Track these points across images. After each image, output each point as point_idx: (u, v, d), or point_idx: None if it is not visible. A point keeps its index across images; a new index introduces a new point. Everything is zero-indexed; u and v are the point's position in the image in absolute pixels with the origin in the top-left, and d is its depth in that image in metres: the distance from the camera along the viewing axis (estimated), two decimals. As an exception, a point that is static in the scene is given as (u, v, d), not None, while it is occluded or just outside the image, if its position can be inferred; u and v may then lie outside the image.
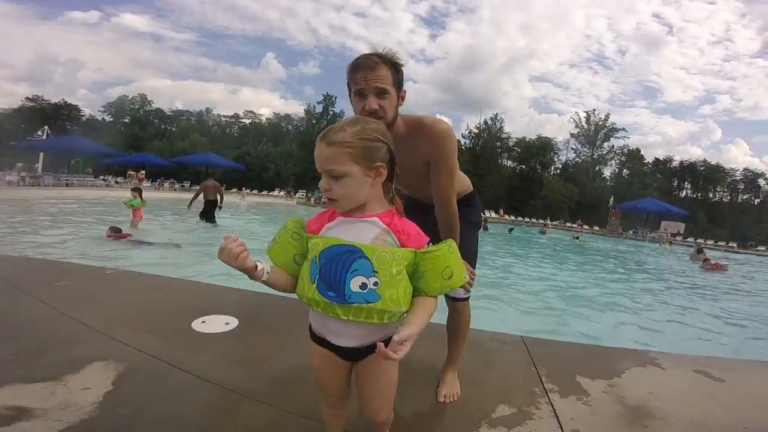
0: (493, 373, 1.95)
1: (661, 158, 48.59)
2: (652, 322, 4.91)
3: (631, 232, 27.82)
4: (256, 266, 0.95)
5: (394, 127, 1.37)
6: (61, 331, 2.06)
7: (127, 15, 73.62)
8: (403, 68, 1.37)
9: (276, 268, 1.02)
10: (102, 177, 24.47)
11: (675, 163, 48.39)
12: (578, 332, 4.09)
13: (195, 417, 1.46)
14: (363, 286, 0.92)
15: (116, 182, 23.36)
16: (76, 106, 46.28)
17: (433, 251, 0.99)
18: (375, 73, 1.29)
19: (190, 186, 26.87)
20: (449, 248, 1.01)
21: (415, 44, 76.57)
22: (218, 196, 9.44)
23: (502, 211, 30.61)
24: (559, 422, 1.54)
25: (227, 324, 2.29)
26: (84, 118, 45.53)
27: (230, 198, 22.88)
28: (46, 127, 26.24)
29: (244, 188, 26.14)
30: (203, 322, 2.29)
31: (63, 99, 45.97)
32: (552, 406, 1.65)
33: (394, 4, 77.36)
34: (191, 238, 7.52)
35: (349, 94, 1.37)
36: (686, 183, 50.21)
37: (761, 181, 48.31)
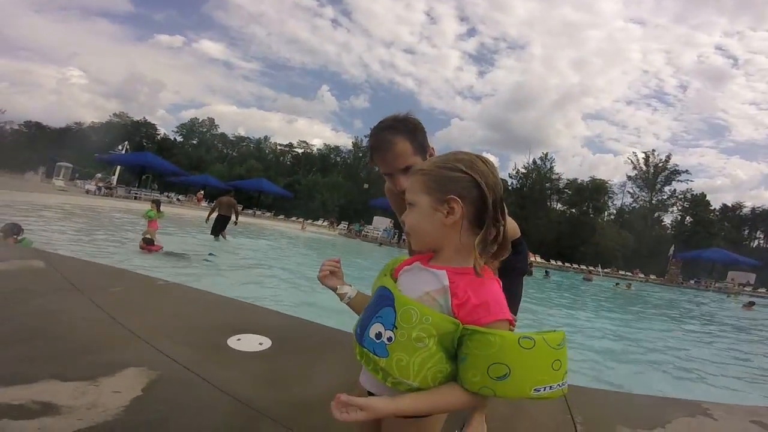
0: (525, 419, 1.82)
1: (730, 204, 44.43)
2: (709, 373, 4.46)
3: (692, 281, 25.75)
4: (336, 288, 1.04)
5: None
6: (107, 334, 2.18)
7: (206, 41, 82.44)
8: (422, 127, 1.30)
9: (362, 294, 1.04)
10: (166, 193, 26.48)
11: (746, 210, 43.94)
12: (622, 383, 3.78)
13: (215, 429, 1.47)
14: (378, 335, 0.83)
15: (178, 199, 25.26)
16: (154, 124, 51.51)
17: (485, 332, 0.74)
18: (393, 153, 1.25)
19: (242, 209, 28.32)
20: (524, 341, 0.74)
21: (462, 81, 78.19)
22: (233, 213, 9.92)
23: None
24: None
25: (261, 344, 2.32)
26: (159, 137, 50.02)
27: (293, 225, 24.09)
28: (126, 142, 29.58)
29: (304, 219, 27.06)
30: (239, 339, 2.34)
31: (144, 117, 51.46)
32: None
33: (443, 42, 79.52)
34: (219, 253, 7.88)
35: (376, 168, 1.37)
36: (758, 232, 45.26)
37: None
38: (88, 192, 20.16)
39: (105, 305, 2.57)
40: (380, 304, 0.86)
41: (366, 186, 39.36)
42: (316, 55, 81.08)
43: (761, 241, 45.15)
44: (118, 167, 25.63)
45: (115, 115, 50.04)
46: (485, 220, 0.81)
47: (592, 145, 70.98)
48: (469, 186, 0.81)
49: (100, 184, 22.47)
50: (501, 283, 0.84)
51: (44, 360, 1.77)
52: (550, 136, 70.01)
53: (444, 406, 0.80)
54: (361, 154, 44.76)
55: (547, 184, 40.07)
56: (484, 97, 77.76)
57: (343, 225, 29.90)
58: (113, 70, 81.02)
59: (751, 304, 13.31)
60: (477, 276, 0.80)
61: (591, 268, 27.10)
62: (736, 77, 62.64)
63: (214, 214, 9.88)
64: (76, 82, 73.44)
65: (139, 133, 47.24)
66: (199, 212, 20.23)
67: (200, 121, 54.04)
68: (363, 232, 25.92)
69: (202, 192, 26.79)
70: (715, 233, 37.81)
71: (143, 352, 2.00)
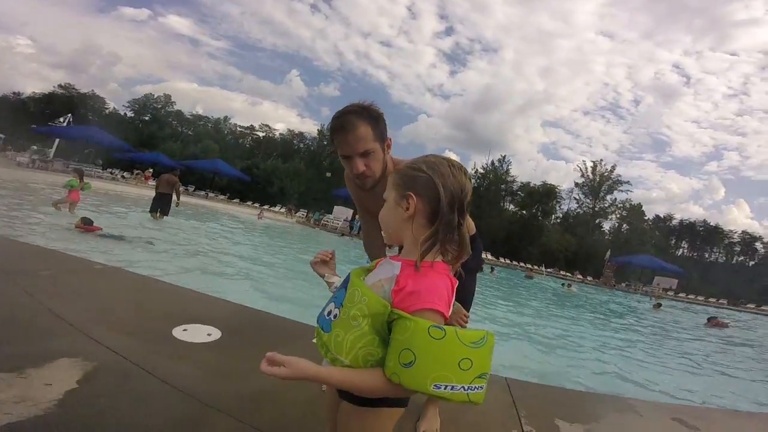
0: (474, 411, 1.90)
1: (662, 215, 49.26)
2: (633, 370, 4.89)
3: (624, 284, 28.01)
4: (324, 276, 1.11)
5: (384, 178, 1.40)
6: (36, 322, 2.00)
7: (173, 16, 77.54)
8: (383, 118, 1.35)
9: None
10: (110, 170, 24.66)
11: (675, 221, 48.84)
12: (561, 376, 4.07)
13: (158, 426, 1.40)
14: (329, 313, 0.90)
15: (122, 177, 23.51)
16: (102, 98, 47.85)
17: (406, 318, 0.76)
18: (355, 135, 1.28)
19: (194, 190, 27.05)
20: (433, 329, 0.74)
21: (434, 78, 79.20)
22: (174, 192, 9.51)
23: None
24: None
25: (209, 335, 2.24)
26: (107, 111, 46.67)
27: (248, 210, 23.18)
28: (69, 115, 27.27)
29: (261, 207, 26.23)
30: (185, 330, 2.24)
31: (93, 90, 47.56)
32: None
33: (420, 38, 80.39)
34: (162, 236, 7.43)
35: (337, 153, 1.39)
36: (684, 242, 50.50)
37: (758, 245, 48.58)
38: (19, 164, 18.12)
39: (34, 290, 2.35)
40: (340, 287, 0.93)
41: (329, 174, 38.78)
42: (289, 38, 78.66)
43: (685, 250, 50.35)
44: (57, 140, 23.44)
45: (60, 86, 45.39)
46: (449, 222, 0.85)
47: (547, 151, 75.03)
48: (426, 185, 0.86)
49: (35, 157, 20.33)
50: (454, 283, 0.86)
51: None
52: (509, 139, 73.04)
53: (360, 384, 0.80)
54: (325, 142, 44.00)
55: (502, 186, 41.83)
56: (453, 96, 79.45)
57: (302, 213, 29.35)
58: (66, 41, 73.94)
59: (659, 305, 14.81)
60: (416, 270, 0.82)
61: (535, 266, 28.76)
62: (685, 95, 68.49)
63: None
64: (22, 51, 66.02)
65: (85, 106, 43.44)
66: (146, 191, 18.96)
67: (155, 97, 50.37)
68: (322, 221, 25.60)
69: (151, 170, 25.11)
70: (647, 241, 41.48)
71: (76, 341, 1.85)
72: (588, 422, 1.93)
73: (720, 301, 26.44)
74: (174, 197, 9.61)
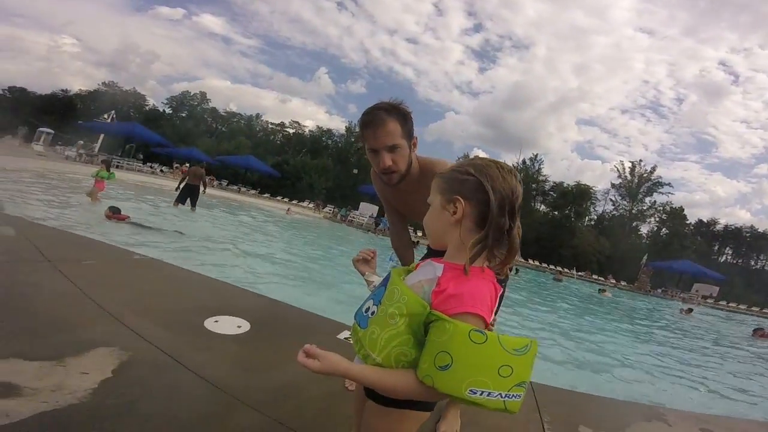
0: (496, 415, 1.82)
1: (705, 220, 46.17)
2: (664, 378, 4.68)
3: (660, 290, 26.74)
4: (365, 274, 1.14)
5: (409, 175, 1.45)
6: (76, 310, 2.09)
7: (207, 15, 79.94)
8: (411, 117, 1.38)
9: None
10: (150, 164, 25.92)
11: (719, 226, 45.73)
12: (589, 383, 3.93)
13: (186, 416, 1.43)
14: (367, 310, 0.90)
15: (161, 171, 24.76)
16: (143, 95, 50.82)
17: (445, 320, 0.74)
18: (384, 130, 1.32)
19: (227, 185, 28.03)
20: (474, 333, 0.71)
21: (462, 76, 77.83)
22: (201, 183, 9.94)
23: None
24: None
25: (239, 327, 2.28)
26: (147, 108, 49.15)
27: (278, 205, 23.84)
28: (113, 111, 29.13)
29: (290, 202, 27.03)
30: (216, 321, 2.29)
31: (134, 87, 50.68)
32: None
33: (447, 35, 78.63)
34: (191, 227, 7.61)
35: (364, 149, 1.42)
36: (728, 248, 47.30)
37: (807, 251, 44.77)
38: (67, 158, 19.54)
39: (76, 278, 2.47)
40: (380, 285, 0.93)
41: (355, 171, 39.09)
42: (317, 36, 79.42)
43: (729, 257, 47.18)
44: (102, 135, 25.05)
45: (103, 84, 49.19)
46: (487, 223, 0.82)
47: (582, 151, 72.06)
48: (474, 188, 0.83)
49: (81, 151, 21.79)
50: (498, 290, 0.84)
51: (6, 337, 1.68)
52: (541, 137, 70.80)
53: (390, 385, 0.79)
54: (353, 139, 44.38)
55: (533, 186, 40.63)
56: (482, 94, 77.82)
57: (329, 208, 29.77)
58: (107, 40, 78.33)
59: (690, 310, 14.13)
60: (465, 274, 0.80)
61: (564, 269, 27.86)
62: (733, 94, 63.76)
63: (182, 184, 9.92)
64: (68, 50, 70.63)
65: (126, 102, 46.22)
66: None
67: (191, 94, 53.04)
68: (349, 218, 25.85)
69: (188, 165, 26.37)
70: (688, 246, 39.18)
71: (113, 330, 1.93)
72: (613, 430, 1.86)
73: (764, 310, 24.70)
74: (201, 188, 10.04)
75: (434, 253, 1.10)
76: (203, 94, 53.15)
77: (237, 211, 14.30)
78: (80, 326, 1.91)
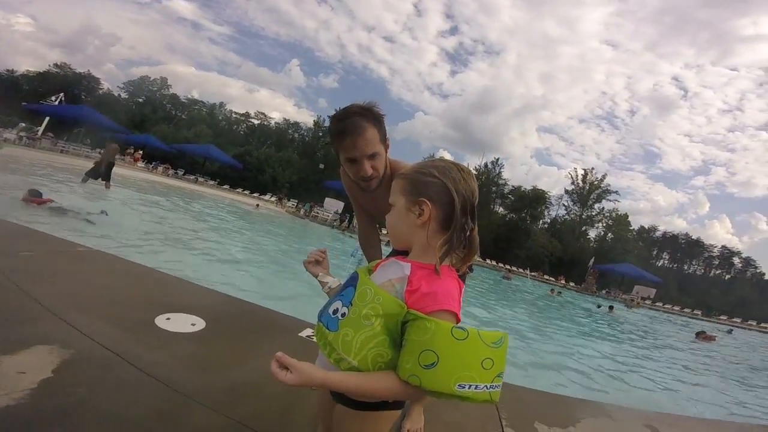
0: (457, 412, 1.92)
1: (647, 226, 50.25)
2: (613, 375, 5.04)
3: (604, 291, 28.68)
4: (318, 276, 1.09)
5: (384, 177, 1.41)
6: (12, 306, 1.93)
7: (179, 0, 75.46)
8: (384, 117, 1.33)
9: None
10: (99, 150, 24.24)
11: (658, 233, 49.86)
12: (544, 380, 4.16)
13: (137, 417, 1.37)
14: (335, 311, 0.87)
15: None
16: (97, 78, 47.18)
17: (424, 319, 0.76)
18: (364, 139, 1.26)
19: (183, 174, 26.72)
20: (456, 330, 0.74)
21: (434, 77, 79.17)
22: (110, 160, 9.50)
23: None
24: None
25: (193, 325, 2.20)
26: (101, 91, 46.15)
27: (238, 197, 22.89)
28: (62, 94, 26.93)
29: (253, 193, 26.06)
30: (168, 318, 2.20)
31: (88, 70, 46.91)
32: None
33: (423, 35, 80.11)
34: (115, 209, 7.12)
35: (337, 155, 1.36)
36: (665, 253, 51.74)
37: (736, 259, 50.16)
38: (6, 140, 17.81)
39: (11, 272, 2.28)
40: (346, 285, 0.91)
41: (322, 166, 38.57)
42: (293, 27, 78.13)
43: (666, 261, 51.56)
44: (47, 118, 23.21)
45: (55, 65, 45.05)
46: (453, 224, 0.85)
47: (540, 157, 75.75)
48: (440, 190, 0.86)
49: (22, 134, 19.99)
50: (461, 286, 0.87)
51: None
52: (504, 142, 73.54)
53: (373, 390, 0.78)
54: (321, 134, 43.66)
55: (493, 189, 42.12)
56: (452, 96, 79.69)
57: (292, 202, 29.19)
58: (66, 20, 72.38)
59: (611, 308, 14.99)
60: (436, 274, 0.82)
61: (520, 269, 29.21)
62: (681, 108, 69.41)
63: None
64: (21, 29, 64.75)
65: (79, 85, 43.04)
66: (135, 172, 18.65)
67: (151, 79, 50.33)
68: (312, 213, 25.48)
69: (141, 152, 24.93)
70: (630, 250, 42.31)
71: (54, 327, 1.80)
72: (566, 426, 1.97)
73: (695, 311, 27.21)
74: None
75: (398, 252, 1.09)
76: (164, 80, 50.61)
77: (192, 202, 13.65)
78: (16, 323, 1.76)
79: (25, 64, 68.85)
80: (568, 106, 78.87)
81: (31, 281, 2.22)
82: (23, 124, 23.13)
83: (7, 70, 45.08)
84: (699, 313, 27.15)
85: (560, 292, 18.70)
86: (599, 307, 16.88)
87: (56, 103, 25.12)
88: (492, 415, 1.95)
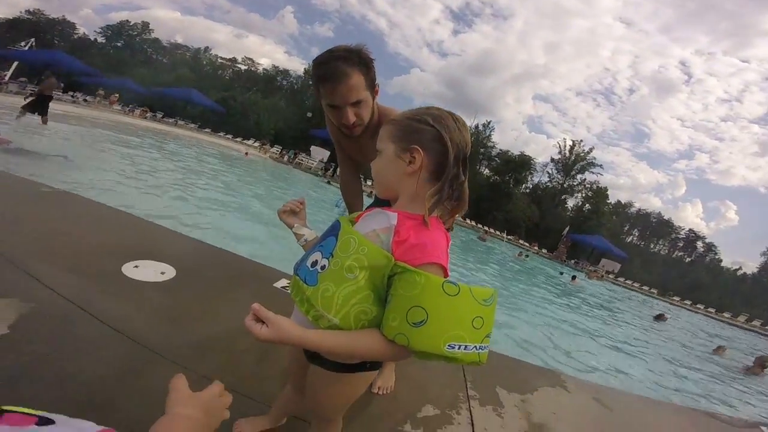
0: (426, 373, 1.98)
1: (623, 201, 51.64)
2: (573, 347, 5.36)
3: (573, 261, 29.87)
4: (293, 227, 1.02)
5: (371, 125, 1.35)
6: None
7: None
8: (373, 63, 1.23)
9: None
10: (71, 93, 23.12)
11: (633, 209, 51.53)
12: (510, 343, 4.43)
13: (101, 375, 1.33)
14: (314, 263, 0.80)
15: (85, 100, 22.18)
16: (72, 23, 44.83)
17: (413, 272, 0.70)
18: (347, 85, 1.18)
19: (162, 117, 25.59)
20: (447, 285, 0.69)
21: (435, 34, 75.67)
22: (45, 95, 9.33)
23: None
24: (473, 430, 1.61)
25: (162, 273, 2.14)
26: (75, 36, 43.87)
27: (218, 141, 21.91)
28: (32, 39, 25.86)
29: (235, 138, 25.23)
30: (136, 266, 2.13)
31: (63, 15, 44.24)
32: (470, 413, 1.72)
33: (429, -10, 74.33)
34: (71, 147, 7.07)
35: (318, 99, 1.27)
36: (636, 230, 53.90)
37: (699, 243, 52.89)
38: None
39: (-35, 210, 2.14)
40: (326, 235, 0.85)
41: (309, 115, 37.26)
42: None
43: (635, 238, 53.81)
44: (15, 63, 21.72)
45: (27, 11, 41.76)
46: (444, 174, 0.81)
47: (532, 124, 75.46)
48: (433, 139, 0.81)
49: (-13, 78, 18.72)
50: (449, 238, 0.83)
51: None
52: (498, 106, 72.54)
53: (355, 350, 0.73)
54: (311, 82, 41.57)
55: (481, 150, 41.94)
56: (451, 56, 76.62)
57: (276, 149, 28.51)
58: None
59: (574, 278, 15.24)
60: (424, 224, 0.78)
61: (497, 231, 29.94)
62: (681, 92, 69.07)
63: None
64: None
65: (52, 31, 40.77)
66: (111, 115, 17.84)
67: (131, 24, 47.61)
68: (297, 160, 24.96)
69: (117, 95, 23.85)
70: (603, 224, 43.65)
71: (13, 278, 1.71)
72: (524, 392, 2.07)
73: (651, 290, 28.62)
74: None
75: (380, 203, 1.03)
76: (145, 24, 48.22)
77: (166, 143, 13.04)
78: (-32, 271, 1.67)
79: (-3, 12, 62.02)
80: (568, 78, 77.81)
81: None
82: (-12, 70, 21.61)
83: (-26, 16, 41.28)
84: (655, 292, 28.51)
85: (527, 256, 19.36)
86: (561, 274, 17.58)
87: (26, 48, 24.02)
88: (458, 378, 2.01)
